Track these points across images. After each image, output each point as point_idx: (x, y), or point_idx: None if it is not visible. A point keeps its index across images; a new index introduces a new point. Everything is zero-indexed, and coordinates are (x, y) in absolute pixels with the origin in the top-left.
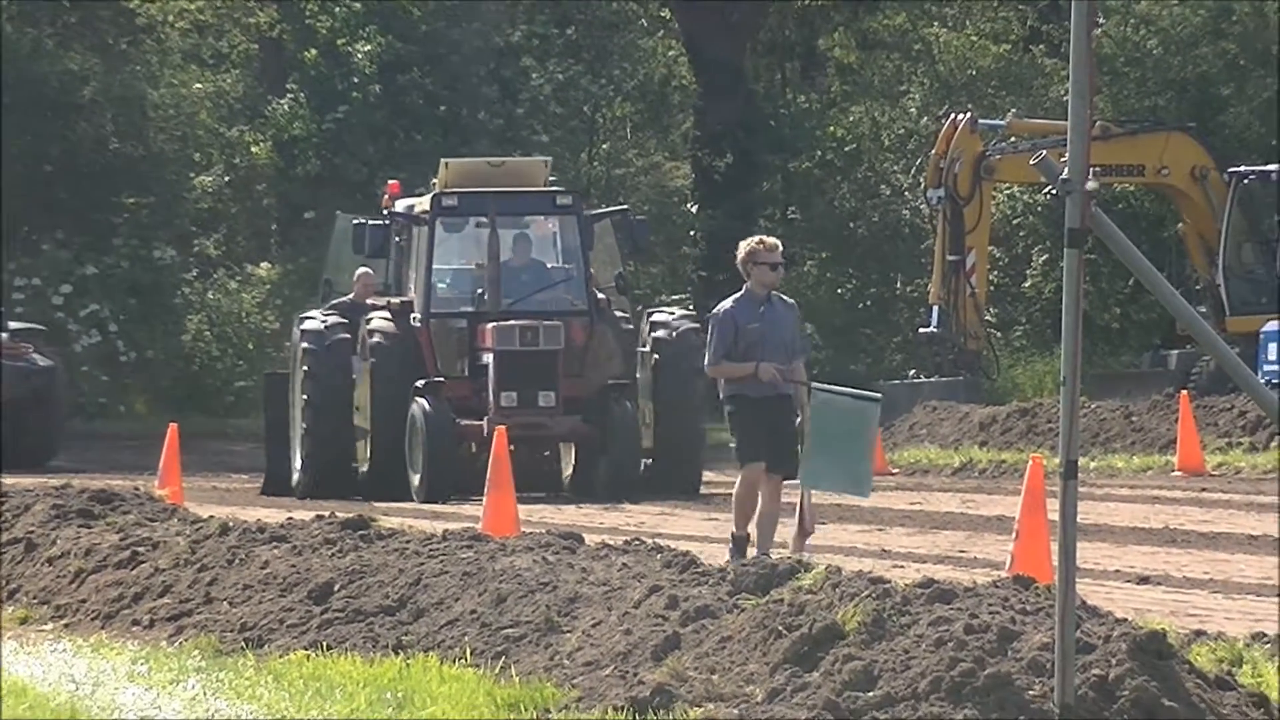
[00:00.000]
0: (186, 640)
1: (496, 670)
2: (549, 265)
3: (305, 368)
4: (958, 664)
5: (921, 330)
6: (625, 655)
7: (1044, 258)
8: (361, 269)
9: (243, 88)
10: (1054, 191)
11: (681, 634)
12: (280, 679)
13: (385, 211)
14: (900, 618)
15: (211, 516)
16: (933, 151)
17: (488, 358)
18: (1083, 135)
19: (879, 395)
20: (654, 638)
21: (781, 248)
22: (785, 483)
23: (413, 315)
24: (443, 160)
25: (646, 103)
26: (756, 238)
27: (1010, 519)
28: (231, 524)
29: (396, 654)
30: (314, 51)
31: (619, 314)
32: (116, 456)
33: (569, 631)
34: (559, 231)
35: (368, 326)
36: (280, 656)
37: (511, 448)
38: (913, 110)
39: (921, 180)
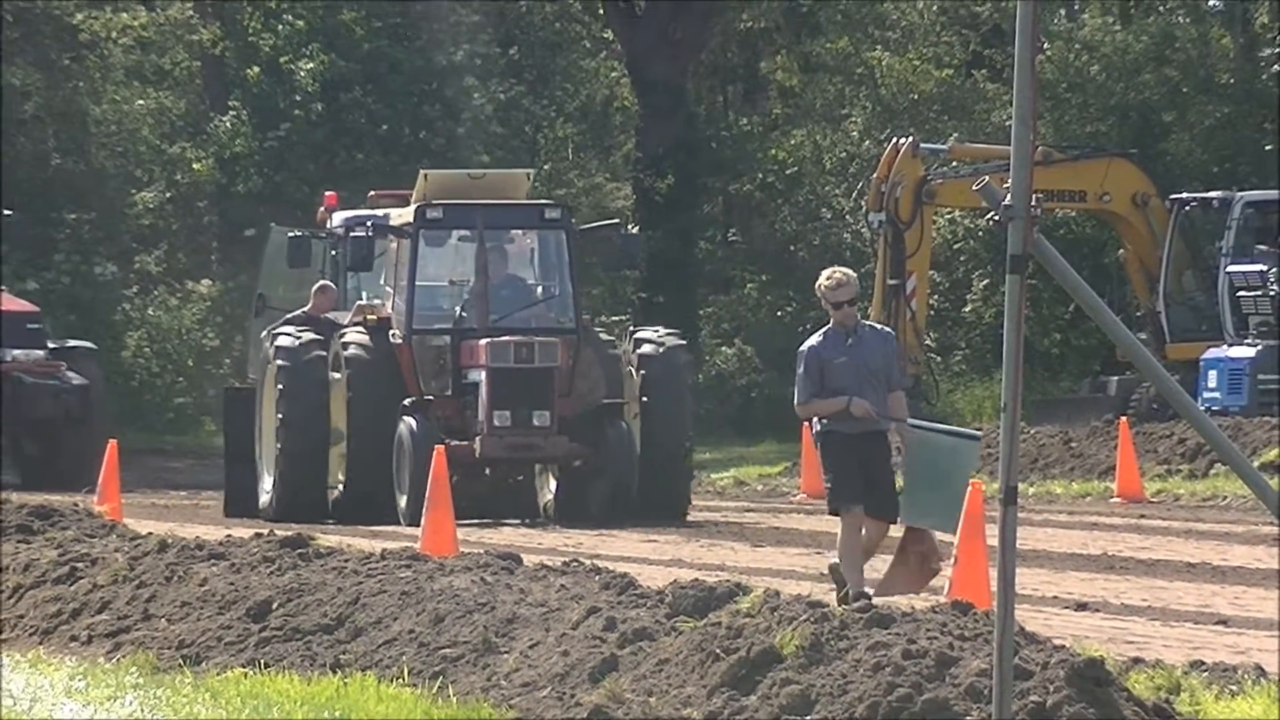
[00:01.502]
0: (124, 657)
1: (434, 690)
2: (534, 281)
3: (280, 386)
4: (895, 689)
5: None
6: (563, 676)
7: (984, 283)
8: (322, 281)
9: (185, 105)
10: (996, 217)
11: (619, 656)
12: (218, 697)
13: (321, 225)
14: (838, 642)
15: (150, 533)
16: (874, 175)
17: (478, 375)
18: (1025, 161)
19: (979, 433)
20: (591, 659)
21: (850, 283)
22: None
23: (391, 332)
24: (422, 172)
25: (588, 123)
26: (826, 272)
27: (949, 544)
28: (170, 541)
29: (334, 673)
30: (256, 69)
31: (600, 333)
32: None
33: (506, 652)
34: (547, 246)
35: (343, 341)
36: (218, 674)
37: (483, 471)
38: (854, 134)
39: (863, 204)
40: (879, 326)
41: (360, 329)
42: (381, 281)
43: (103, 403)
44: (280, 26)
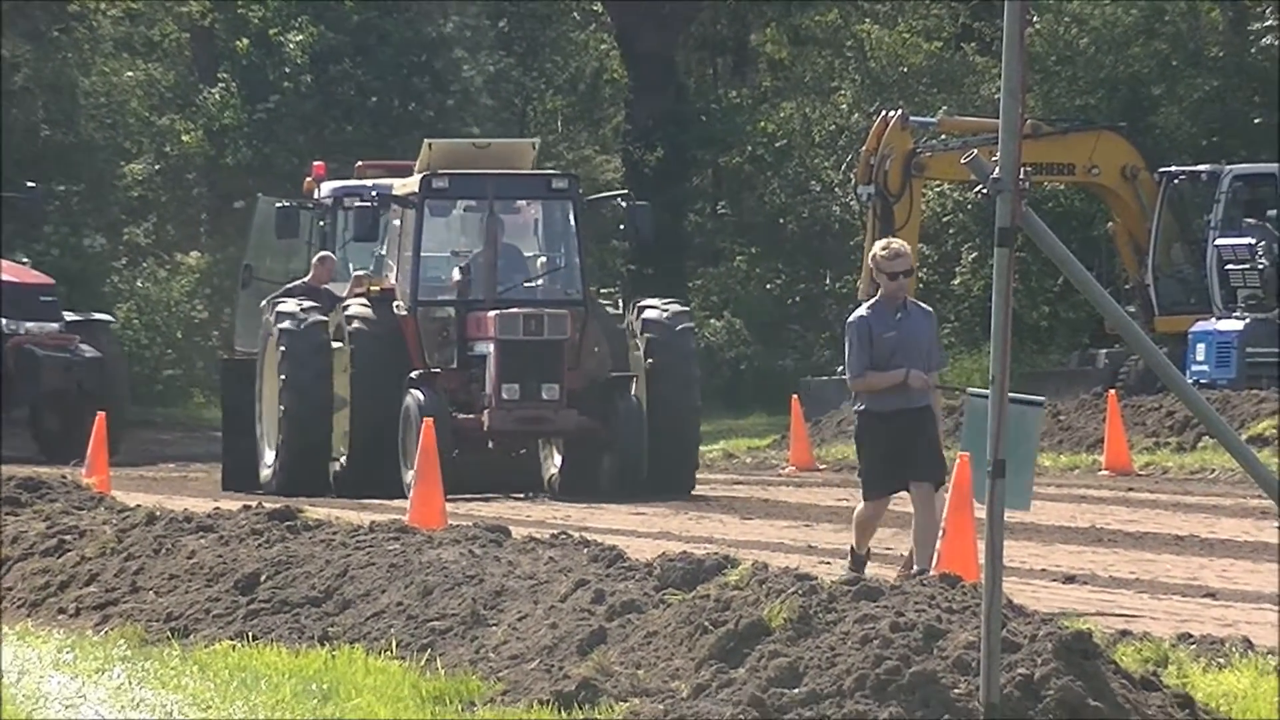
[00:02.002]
0: (112, 629)
1: (422, 662)
2: (539, 253)
3: (282, 349)
4: (883, 662)
5: None
6: (551, 649)
7: (973, 255)
8: (322, 252)
9: (174, 76)
10: (984, 190)
11: (607, 628)
12: (206, 669)
13: (308, 195)
14: (826, 615)
15: (138, 505)
16: (863, 148)
17: (486, 347)
18: (1014, 134)
19: (1043, 399)
20: (580, 632)
21: (906, 254)
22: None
23: (395, 303)
24: (426, 141)
25: (578, 96)
26: (882, 242)
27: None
28: (158, 513)
29: (322, 645)
30: (246, 41)
31: (605, 305)
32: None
33: (495, 625)
34: (554, 217)
35: (346, 313)
36: (206, 646)
37: (485, 446)
38: (844, 106)
39: (852, 176)
40: (923, 305)
41: (363, 300)
42: (383, 252)
43: (124, 376)
44: None
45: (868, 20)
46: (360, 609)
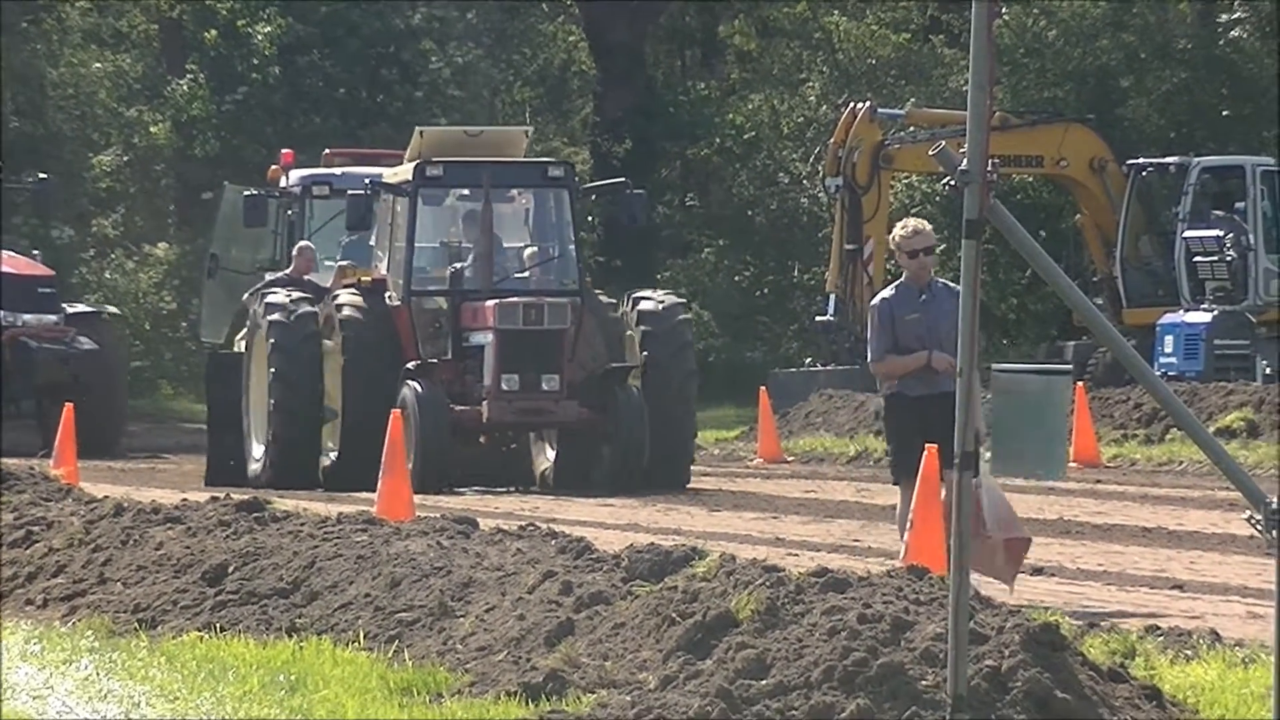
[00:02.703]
0: (80, 620)
1: (390, 654)
2: (531, 242)
3: (272, 340)
4: (851, 653)
5: (818, 319)
6: (519, 641)
7: (942, 247)
8: (302, 243)
9: (142, 68)
10: (952, 182)
11: (575, 620)
12: (173, 660)
13: (273, 183)
14: (794, 606)
15: (106, 497)
16: (831, 140)
17: (483, 338)
18: (982, 126)
19: (1069, 367)
20: (547, 623)
21: (926, 231)
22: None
23: (387, 294)
24: (417, 129)
25: (546, 87)
26: (902, 222)
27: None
28: (126, 504)
29: (290, 636)
30: (214, 32)
31: (600, 295)
32: (13, 435)
33: (462, 616)
34: (549, 205)
35: (335, 303)
36: (174, 638)
37: (479, 436)
38: (812, 98)
39: (820, 169)
40: (952, 285)
41: (353, 291)
42: (372, 242)
43: (123, 369)
44: None
45: (836, 12)
46: (328, 600)
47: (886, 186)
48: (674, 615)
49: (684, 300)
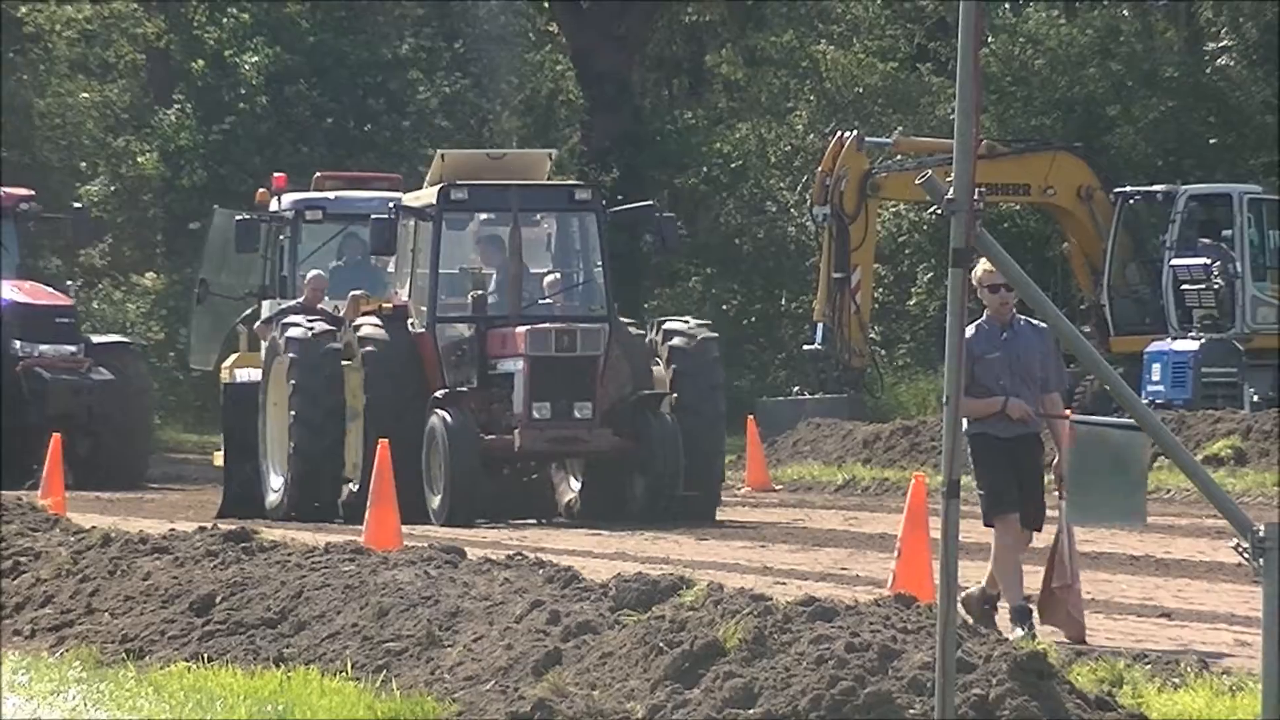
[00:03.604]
0: (68, 651)
1: (377, 684)
2: (560, 267)
3: (293, 382)
4: (838, 682)
5: (806, 347)
6: (506, 670)
7: (929, 276)
8: (314, 271)
9: (129, 98)
10: (939, 210)
11: (563, 649)
12: (161, 690)
13: (261, 206)
14: (781, 635)
15: (94, 527)
16: (819, 169)
17: (512, 365)
18: (968, 154)
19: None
20: (535, 653)
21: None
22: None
23: (410, 321)
24: (439, 152)
25: (534, 117)
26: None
27: (893, 537)
28: (113, 535)
29: (277, 666)
30: (201, 62)
31: (626, 322)
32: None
33: (450, 646)
34: (576, 229)
35: (358, 334)
36: (161, 668)
37: (500, 469)
38: (799, 127)
39: (807, 197)
40: (1036, 322)
41: (375, 319)
42: (391, 268)
43: (146, 400)
44: (225, 19)
45: (823, 41)
46: (315, 630)
47: (874, 215)
48: (661, 644)
49: (715, 334)
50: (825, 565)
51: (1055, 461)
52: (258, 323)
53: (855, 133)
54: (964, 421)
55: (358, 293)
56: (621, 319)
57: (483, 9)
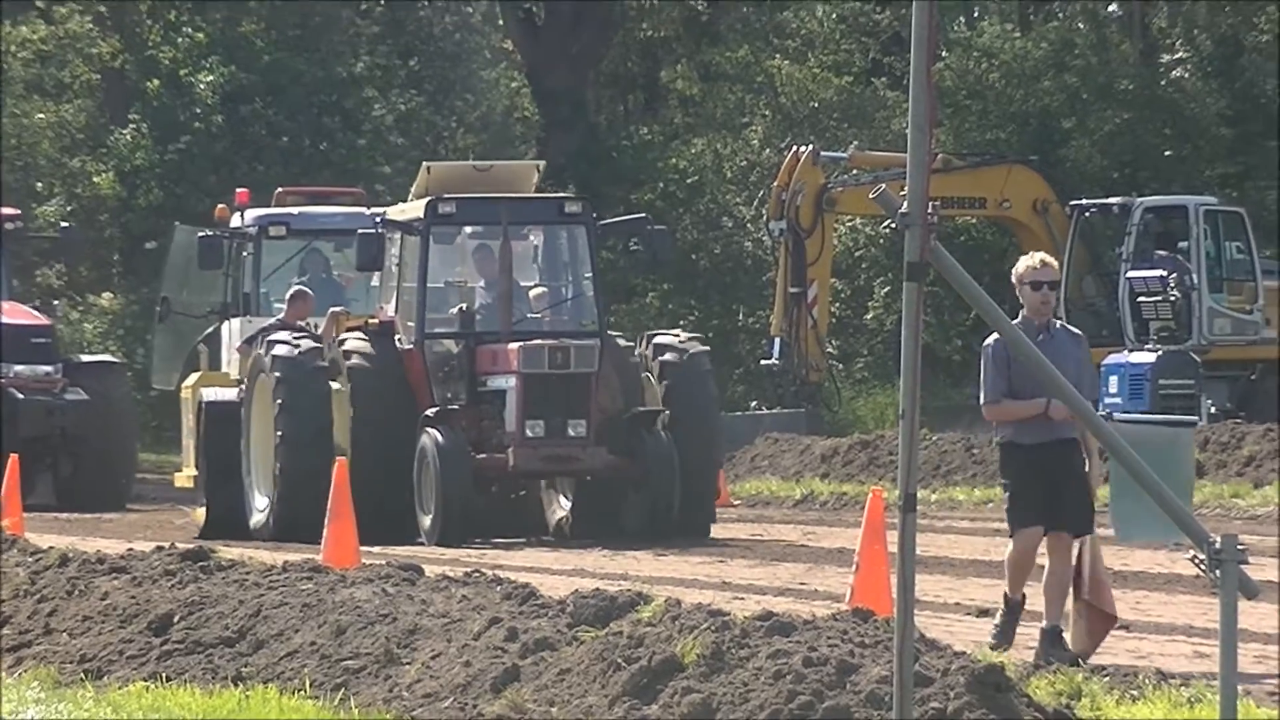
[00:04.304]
0: (25, 671)
1: (336, 702)
2: (548, 281)
3: (280, 401)
4: (796, 697)
5: (763, 362)
6: (465, 687)
7: (886, 290)
8: (297, 287)
9: (85, 118)
10: (893, 224)
11: (521, 666)
12: (119, 710)
13: (221, 223)
14: (739, 650)
15: (51, 547)
16: (774, 183)
17: (505, 382)
18: (922, 168)
19: (1194, 419)
20: (493, 669)
21: (1053, 265)
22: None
23: (397, 337)
24: (424, 164)
25: (489, 134)
26: (1029, 254)
27: (851, 551)
28: (71, 555)
29: (236, 685)
30: (156, 82)
31: (616, 336)
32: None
33: (408, 663)
34: (564, 243)
35: (344, 350)
36: (120, 688)
37: (493, 486)
38: (755, 142)
39: (763, 212)
40: (1072, 328)
41: (360, 335)
42: (375, 283)
43: (130, 420)
44: (180, 39)
45: (778, 56)
46: (274, 649)
47: (830, 229)
48: (619, 660)
49: (707, 347)
50: (783, 580)
51: (1088, 471)
52: (239, 343)
53: (811, 147)
54: (995, 429)
55: (337, 309)
56: (611, 333)
57: (438, 27)
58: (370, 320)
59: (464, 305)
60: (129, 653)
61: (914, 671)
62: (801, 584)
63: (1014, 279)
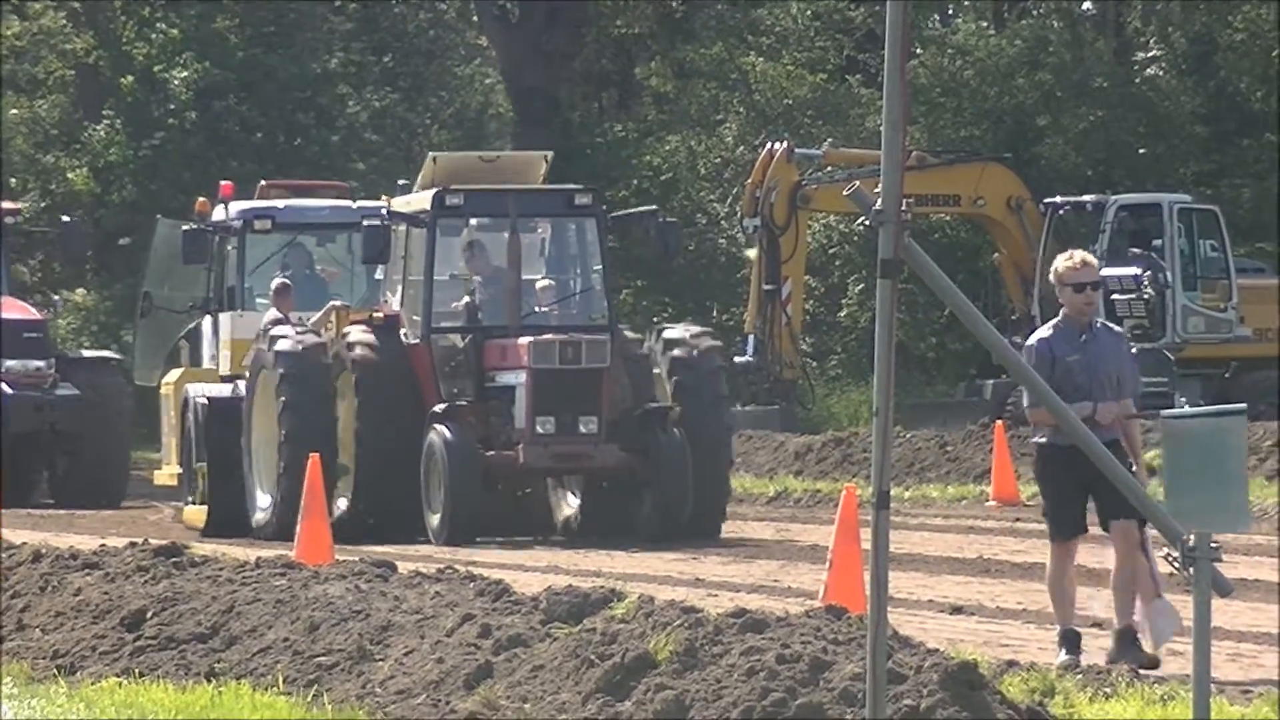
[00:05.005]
0: None
1: (309, 698)
2: (555, 274)
3: (284, 399)
4: (769, 694)
5: (737, 359)
6: (438, 684)
7: (860, 287)
8: (279, 280)
9: (59, 114)
10: (867, 222)
11: (494, 663)
12: (92, 706)
13: (202, 216)
14: (712, 647)
15: (24, 543)
16: (749, 181)
17: (514, 377)
18: (896, 166)
19: (1243, 405)
20: (466, 666)
21: (1094, 264)
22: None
23: (402, 331)
24: (430, 155)
25: (463, 130)
26: (1066, 253)
27: (824, 548)
28: (44, 551)
29: (209, 681)
30: (131, 78)
31: (625, 330)
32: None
33: (381, 660)
34: (572, 235)
35: (348, 344)
36: (93, 683)
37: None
38: (729, 139)
39: (738, 209)
40: (1113, 326)
41: (365, 328)
42: (379, 275)
43: (123, 415)
44: (154, 35)
45: (752, 53)
46: (246, 645)
47: (804, 227)
48: (593, 657)
49: (718, 342)
50: (757, 577)
51: (1134, 469)
52: (240, 336)
53: (785, 145)
54: (1036, 429)
55: (337, 302)
56: (621, 326)
57: (412, 23)
58: (374, 314)
59: (469, 299)
60: (102, 649)
61: (887, 669)
62: (775, 581)
63: (1053, 279)
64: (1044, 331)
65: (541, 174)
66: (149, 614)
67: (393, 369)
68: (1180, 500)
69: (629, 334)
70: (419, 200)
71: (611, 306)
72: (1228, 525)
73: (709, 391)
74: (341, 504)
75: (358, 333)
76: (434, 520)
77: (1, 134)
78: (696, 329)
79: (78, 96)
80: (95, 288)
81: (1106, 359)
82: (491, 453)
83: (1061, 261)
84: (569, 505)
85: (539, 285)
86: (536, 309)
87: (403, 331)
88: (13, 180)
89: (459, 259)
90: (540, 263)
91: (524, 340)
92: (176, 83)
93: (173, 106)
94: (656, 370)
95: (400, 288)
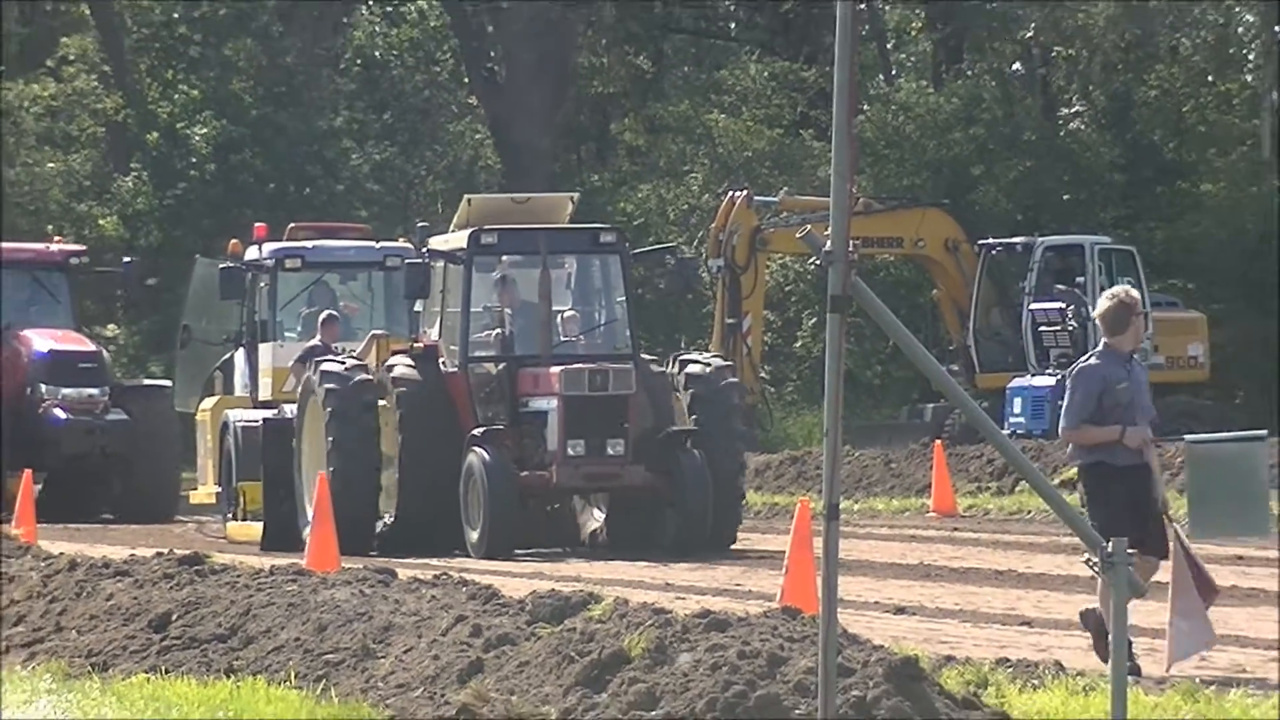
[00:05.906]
0: (38, 665)
1: (318, 692)
2: (581, 307)
3: (330, 409)
4: (731, 686)
5: None
6: (433, 678)
7: (813, 321)
8: (328, 311)
9: (91, 166)
10: (818, 261)
11: (484, 659)
12: (123, 699)
13: (235, 256)
14: (680, 645)
15: (61, 554)
16: (713, 225)
17: (546, 403)
18: (844, 211)
19: (1263, 432)
20: (459, 662)
21: (1138, 299)
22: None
23: (440, 360)
24: (465, 197)
25: (456, 181)
26: (1123, 289)
27: (781, 555)
28: (79, 560)
29: (228, 677)
30: (155, 134)
31: (647, 359)
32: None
33: (383, 657)
34: (597, 271)
35: (391, 374)
36: (123, 679)
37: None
38: (695, 188)
39: (703, 251)
40: (1137, 358)
41: (407, 359)
42: (417, 309)
43: (170, 439)
44: (177, 95)
45: (716, 110)
46: (262, 644)
47: (763, 266)
48: (573, 654)
49: (730, 364)
50: (721, 581)
51: (1155, 490)
52: (292, 361)
53: (745, 192)
54: (1071, 448)
55: (379, 333)
56: (643, 356)
57: (409, 85)
58: (415, 344)
59: (501, 330)
60: (131, 648)
61: (837, 663)
62: (737, 585)
63: (1120, 306)
64: (1094, 360)
65: (568, 214)
66: (174, 617)
67: (432, 395)
68: (1204, 512)
69: (648, 360)
70: (456, 239)
71: (634, 336)
72: (1251, 535)
73: (723, 412)
74: (387, 519)
75: (400, 363)
76: (473, 535)
77: (1, 167)
78: (711, 355)
79: (108, 151)
80: (125, 323)
81: (1142, 387)
82: (526, 473)
83: (1127, 294)
84: (594, 519)
85: (564, 315)
86: (563, 338)
87: (441, 360)
88: (49, 227)
89: (493, 293)
90: (567, 295)
91: (555, 369)
92: (197, 138)
93: (194, 160)
94: (677, 394)
95: (439, 320)
